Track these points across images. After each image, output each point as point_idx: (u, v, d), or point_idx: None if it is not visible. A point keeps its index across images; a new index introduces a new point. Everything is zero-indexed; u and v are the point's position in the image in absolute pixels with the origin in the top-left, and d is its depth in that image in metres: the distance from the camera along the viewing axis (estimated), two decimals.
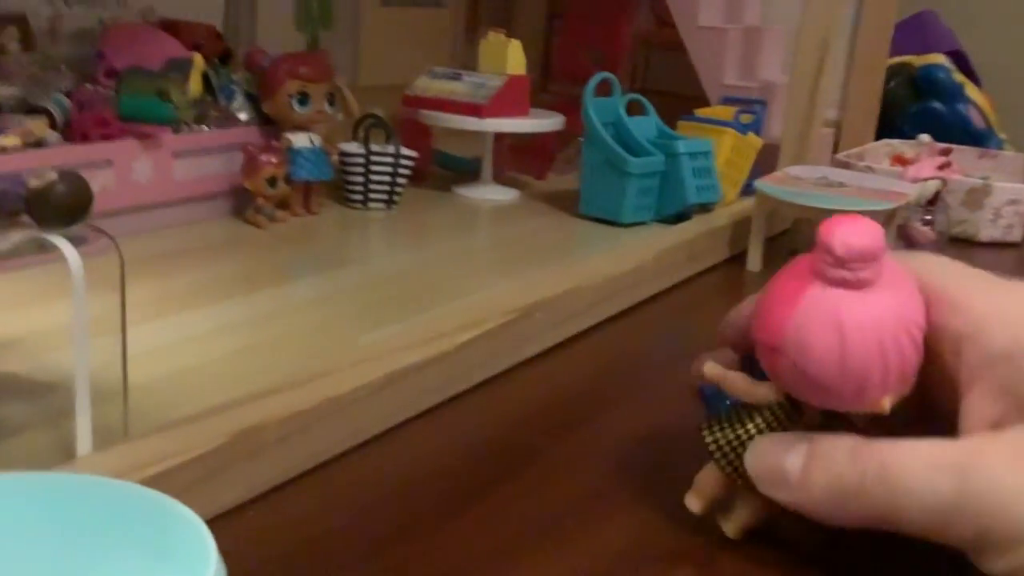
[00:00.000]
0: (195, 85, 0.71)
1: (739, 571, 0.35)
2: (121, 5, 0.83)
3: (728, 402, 0.36)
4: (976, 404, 0.31)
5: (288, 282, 0.61)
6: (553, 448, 0.43)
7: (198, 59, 0.73)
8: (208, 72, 0.73)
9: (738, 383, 0.35)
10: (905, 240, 0.79)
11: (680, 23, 0.99)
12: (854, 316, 0.30)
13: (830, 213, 0.70)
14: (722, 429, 0.35)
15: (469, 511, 0.37)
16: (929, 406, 0.33)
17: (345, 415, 0.41)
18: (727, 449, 0.35)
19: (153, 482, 0.32)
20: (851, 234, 0.31)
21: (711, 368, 0.35)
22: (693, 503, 0.36)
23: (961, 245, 0.85)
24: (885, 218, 0.72)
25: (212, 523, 0.24)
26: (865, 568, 0.36)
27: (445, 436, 0.44)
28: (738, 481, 0.35)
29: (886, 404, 0.31)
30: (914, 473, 0.30)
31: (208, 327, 0.51)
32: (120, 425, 0.36)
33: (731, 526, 0.36)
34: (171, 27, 0.81)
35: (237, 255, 0.64)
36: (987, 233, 0.85)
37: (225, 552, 0.24)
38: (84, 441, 0.34)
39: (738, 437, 0.34)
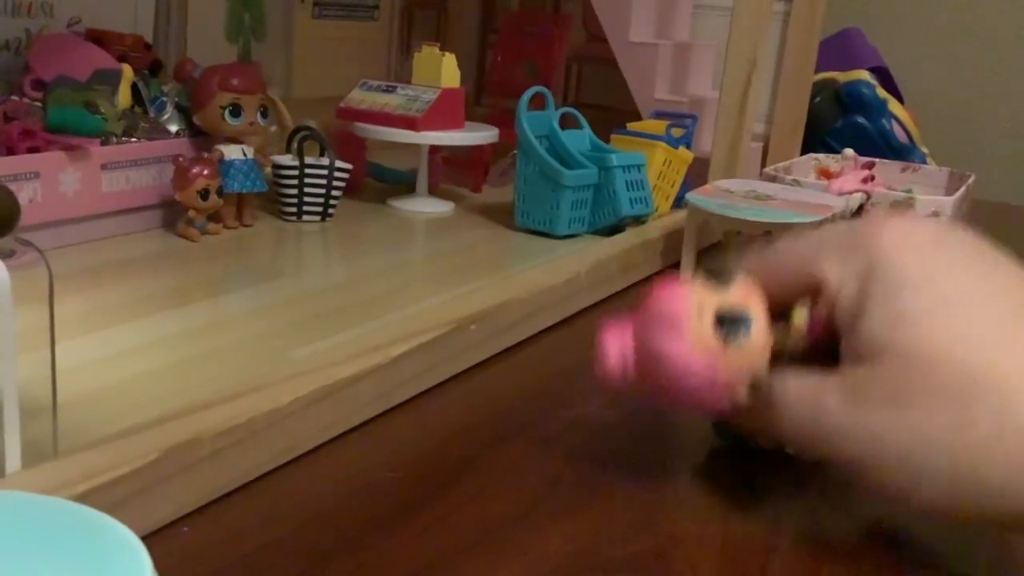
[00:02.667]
0: (124, 96, 0.70)
1: None
2: (48, 15, 0.81)
3: None
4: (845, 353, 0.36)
5: (221, 295, 0.61)
6: (490, 460, 0.43)
7: (127, 70, 0.72)
8: (137, 83, 0.72)
9: None
10: None
11: (612, 39, 1.00)
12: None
13: (759, 225, 0.71)
14: None
15: (406, 524, 0.37)
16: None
17: (280, 429, 0.40)
18: None
19: (85, 498, 0.31)
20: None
21: None
22: None
23: None
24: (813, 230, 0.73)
25: (146, 539, 0.24)
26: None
27: (381, 449, 0.44)
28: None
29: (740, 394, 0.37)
30: (790, 398, 0.37)
31: (139, 341, 0.50)
32: (50, 441, 0.36)
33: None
34: (99, 38, 0.80)
35: (169, 268, 0.64)
36: None
37: (160, 569, 0.23)
38: (13, 458, 0.33)
39: None
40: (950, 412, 0.32)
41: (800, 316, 0.39)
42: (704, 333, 0.36)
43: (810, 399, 0.36)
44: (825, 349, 0.37)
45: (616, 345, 0.39)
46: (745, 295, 0.38)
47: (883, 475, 0.34)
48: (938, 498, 0.33)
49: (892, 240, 0.36)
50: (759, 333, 0.37)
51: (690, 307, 0.37)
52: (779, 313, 0.39)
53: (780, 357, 0.38)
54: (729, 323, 0.36)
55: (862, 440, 0.34)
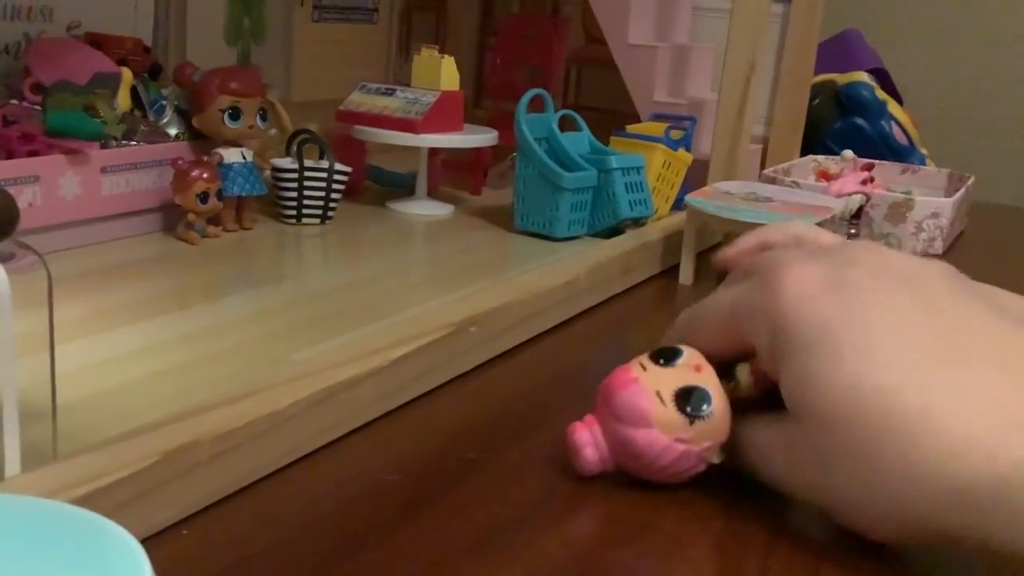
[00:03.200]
0: (123, 100, 0.71)
1: None
2: (47, 19, 0.82)
3: None
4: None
5: (221, 298, 0.61)
6: (490, 462, 0.43)
7: (126, 73, 0.72)
8: (137, 86, 0.72)
9: None
10: None
11: (611, 41, 1.00)
12: None
13: (758, 227, 0.71)
14: None
15: (406, 527, 0.37)
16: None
17: (280, 432, 0.40)
18: None
19: (84, 502, 0.31)
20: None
21: None
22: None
23: None
24: None
25: (146, 543, 0.24)
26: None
27: (382, 452, 0.44)
28: None
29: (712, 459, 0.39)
30: (747, 450, 0.39)
31: (139, 344, 0.50)
32: (49, 445, 0.36)
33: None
34: (98, 41, 0.80)
35: (169, 271, 0.64)
36: (910, 246, 0.87)
37: (160, 572, 0.23)
38: (12, 461, 0.33)
39: None
40: (864, 467, 0.34)
41: (744, 371, 0.41)
42: (669, 417, 0.38)
43: (763, 455, 0.38)
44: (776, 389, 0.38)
45: (587, 440, 0.40)
46: (694, 366, 0.39)
47: (840, 518, 0.36)
48: (888, 534, 0.35)
49: (789, 295, 0.37)
50: (719, 402, 0.39)
51: (649, 395, 0.38)
52: (725, 368, 0.41)
53: (735, 405, 0.40)
54: (690, 402, 0.38)
55: (810, 495, 0.37)
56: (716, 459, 0.39)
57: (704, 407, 0.38)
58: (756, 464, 0.39)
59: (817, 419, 0.35)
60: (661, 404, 0.38)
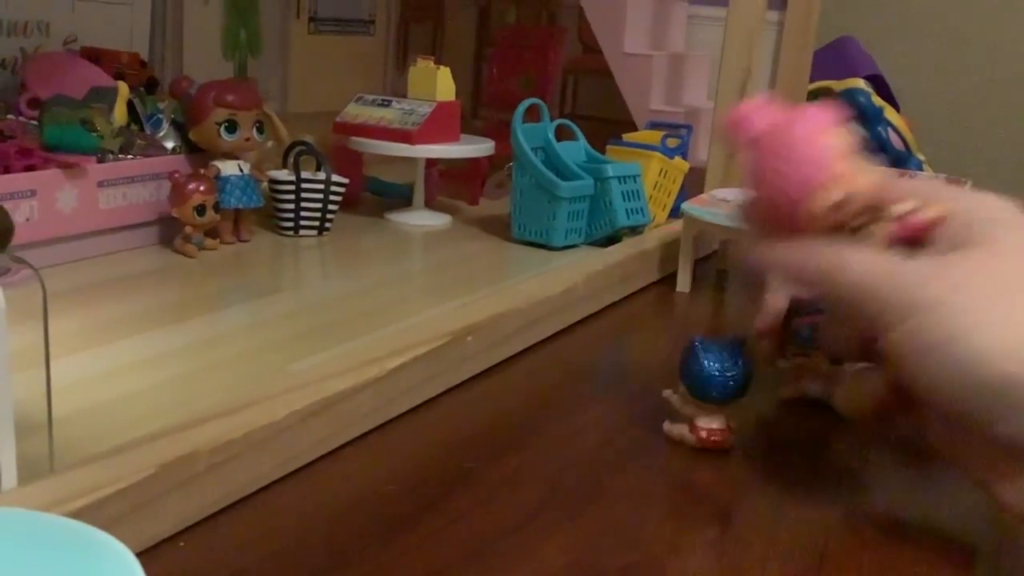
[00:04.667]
0: (120, 114, 0.71)
1: None
2: (44, 34, 0.82)
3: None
4: None
5: (219, 310, 0.61)
6: (488, 471, 0.43)
7: (123, 87, 0.72)
8: (133, 100, 0.73)
9: None
10: None
11: (607, 50, 1.01)
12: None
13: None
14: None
15: (404, 536, 0.37)
16: None
17: (277, 442, 0.40)
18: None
19: (81, 515, 0.31)
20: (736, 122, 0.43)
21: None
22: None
23: None
24: None
25: (143, 555, 0.24)
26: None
27: (379, 461, 0.44)
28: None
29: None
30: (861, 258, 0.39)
31: (136, 357, 0.50)
32: (46, 458, 0.36)
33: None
34: (95, 56, 0.80)
35: (166, 284, 0.64)
36: None
37: None
38: (9, 475, 0.33)
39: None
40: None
41: (902, 206, 0.41)
42: (840, 139, 0.41)
43: (888, 260, 0.39)
44: None
45: (761, 106, 0.43)
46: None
47: (950, 322, 0.36)
48: (994, 346, 0.35)
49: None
50: (872, 173, 0.42)
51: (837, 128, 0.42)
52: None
53: (859, 233, 0.41)
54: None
55: (941, 286, 0.36)
56: (833, 198, 0.40)
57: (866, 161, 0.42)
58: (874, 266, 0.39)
59: (1003, 239, 0.38)
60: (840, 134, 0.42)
